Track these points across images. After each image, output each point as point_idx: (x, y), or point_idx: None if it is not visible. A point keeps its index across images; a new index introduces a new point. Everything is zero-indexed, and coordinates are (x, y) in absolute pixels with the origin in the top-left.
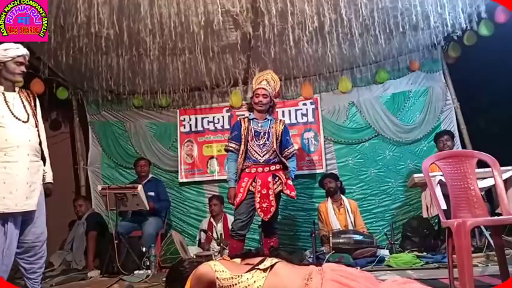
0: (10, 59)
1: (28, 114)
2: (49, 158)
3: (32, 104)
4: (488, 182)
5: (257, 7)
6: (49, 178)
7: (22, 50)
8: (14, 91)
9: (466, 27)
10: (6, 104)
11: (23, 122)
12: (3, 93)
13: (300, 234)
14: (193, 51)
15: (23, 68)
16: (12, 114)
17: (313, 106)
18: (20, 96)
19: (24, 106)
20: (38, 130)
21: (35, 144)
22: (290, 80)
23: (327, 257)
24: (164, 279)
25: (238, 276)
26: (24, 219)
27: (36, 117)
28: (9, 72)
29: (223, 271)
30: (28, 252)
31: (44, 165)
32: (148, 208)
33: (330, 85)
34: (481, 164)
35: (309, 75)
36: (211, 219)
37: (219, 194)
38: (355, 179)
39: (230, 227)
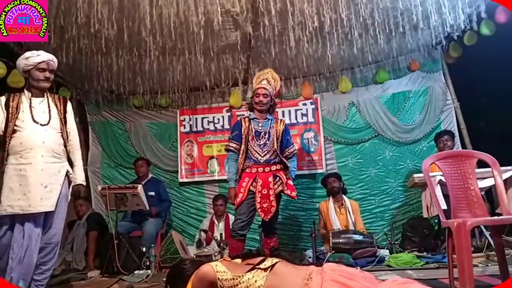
0: (32, 66)
1: (50, 117)
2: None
3: (60, 108)
4: (488, 182)
5: (257, 7)
6: (79, 180)
7: (43, 57)
8: (43, 96)
9: (466, 27)
10: (30, 109)
11: (41, 125)
12: (30, 99)
13: (300, 234)
14: (193, 51)
15: (46, 74)
16: (32, 118)
17: (313, 106)
18: (48, 101)
19: (49, 110)
20: (62, 132)
21: (52, 146)
22: (290, 80)
23: (327, 257)
24: (164, 279)
25: (240, 276)
26: (44, 219)
27: (62, 121)
28: (34, 80)
29: (224, 272)
30: (39, 252)
31: (72, 167)
32: (148, 208)
33: (330, 85)
34: (481, 164)
35: (309, 75)
36: (213, 218)
37: (219, 193)
38: (355, 179)
39: (231, 226)
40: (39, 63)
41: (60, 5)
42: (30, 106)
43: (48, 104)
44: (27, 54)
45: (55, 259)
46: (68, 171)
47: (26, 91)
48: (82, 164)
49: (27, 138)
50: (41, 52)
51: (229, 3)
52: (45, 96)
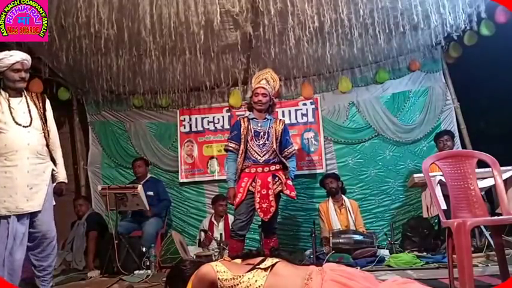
0: (6, 67)
1: (31, 118)
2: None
3: (40, 107)
4: (488, 182)
5: (257, 7)
6: (61, 178)
7: (16, 57)
8: (21, 96)
9: (466, 27)
10: (10, 110)
11: (23, 126)
12: (8, 99)
13: (300, 234)
14: (193, 51)
15: (22, 74)
16: (14, 120)
17: (313, 106)
18: (27, 101)
19: (29, 111)
20: (44, 132)
21: (36, 147)
22: (290, 80)
23: (327, 257)
24: (164, 279)
25: (240, 276)
26: (31, 219)
27: (43, 120)
28: (9, 81)
29: (224, 272)
30: (37, 248)
31: (55, 165)
32: (148, 208)
33: (330, 85)
34: (481, 164)
35: (309, 75)
36: (212, 218)
37: (219, 194)
38: (355, 179)
39: (230, 227)
40: (13, 64)
41: (60, 5)
42: (10, 107)
43: (28, 103)
44: (0, 55)
45: (55, 254)
46: (53, 170)
47: (2, 92)
48: (63, 162)
49: (11, 140)
50: (14, 52)
51: (229, 3)
52: (23, 95)
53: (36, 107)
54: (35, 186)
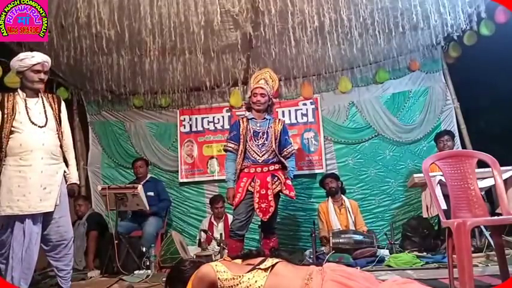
0: (27, 68)
1: (47, 119)
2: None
3: (55, 108)
4: (488, 182)
5: (257, 7)
6: (74, 179)
7: (37, 58)
8: (38, 96)
9: (466, 27)
10: (26, 110)
11: (39, 126)
12: (25, 99)
13: (300, 234)
14: (193, 51)
15: (41, 76)
16: (30, 120)
17: (313, 106)
18: (43, 101)
19: (45, 111)
20: (58, 133)
21: (50, 147)
22: (290, 80)
23: (327, 257)
24: (164, 279)
25: (240, 276)
26: (45, 219)
27: (57, 121)
28: (29, 81)
29: (224, 272)
30: (54, 250)
31: (67, 167)
32: (148, 208)
33: (329, 85)
34: (481, 164)
35: (308, 75)
36: (212, 218)
37: (219, 194)
38: (355, 179)
39: (229, 227)
40: (34, 65)
41: (61, 5)
42: (26, 107)
43: (44, 104)
44: (21, 55)
45: (72, 253)
46: (64, 171)
47: (20, 91)
48: (76, 163)
49: (26, 140)
50: (36, 53)
51: (229, 3)
52: (40, 96)
53: (52, 108)
54: (49, 187)
